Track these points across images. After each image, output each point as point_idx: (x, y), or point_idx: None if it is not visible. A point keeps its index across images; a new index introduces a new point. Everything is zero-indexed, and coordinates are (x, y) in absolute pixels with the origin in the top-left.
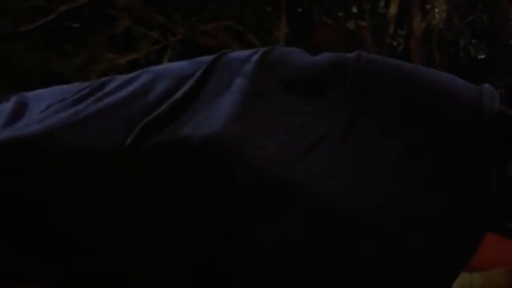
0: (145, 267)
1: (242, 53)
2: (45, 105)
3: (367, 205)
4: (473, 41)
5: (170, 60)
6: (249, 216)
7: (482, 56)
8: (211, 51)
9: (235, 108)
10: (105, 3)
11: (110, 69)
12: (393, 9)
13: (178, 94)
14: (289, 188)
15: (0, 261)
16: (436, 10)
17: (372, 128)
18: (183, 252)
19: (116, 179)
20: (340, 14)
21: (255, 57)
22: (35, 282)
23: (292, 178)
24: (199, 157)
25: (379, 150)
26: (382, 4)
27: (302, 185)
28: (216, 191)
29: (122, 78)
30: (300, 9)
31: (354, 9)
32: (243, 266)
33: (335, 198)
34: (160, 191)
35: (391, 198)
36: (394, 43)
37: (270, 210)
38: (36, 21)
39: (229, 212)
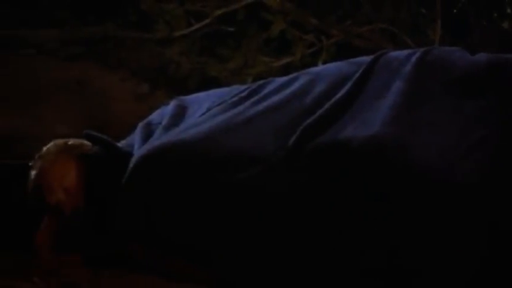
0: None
1: (401, 53)
2: (205, 109)
3: None
4: None
5: (325, 63)
6: (406, 217)
7: None
8: (366, 53)
9: (394, 110)
10: (260, 7)
11: (265, 72)
12: None
13: (338, 96)
14: (452, 189)
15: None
16: None
17: None
18: (341, 256)
19: (276, 181)
20: (495, 15)
21: (414, 58)
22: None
23: (456, 178)
24: (359, 158)
25: None
26: None
27: (464, 185)
28: (375, 192)
29: (279, 80)
30: (454, 11)
31: (508, 10)
32: (396, 270)
33: (496, 199)
34: (320, 191)
35: None
36: None
37: (431, 210)
38: (191, 25)
39: (385, 215)
